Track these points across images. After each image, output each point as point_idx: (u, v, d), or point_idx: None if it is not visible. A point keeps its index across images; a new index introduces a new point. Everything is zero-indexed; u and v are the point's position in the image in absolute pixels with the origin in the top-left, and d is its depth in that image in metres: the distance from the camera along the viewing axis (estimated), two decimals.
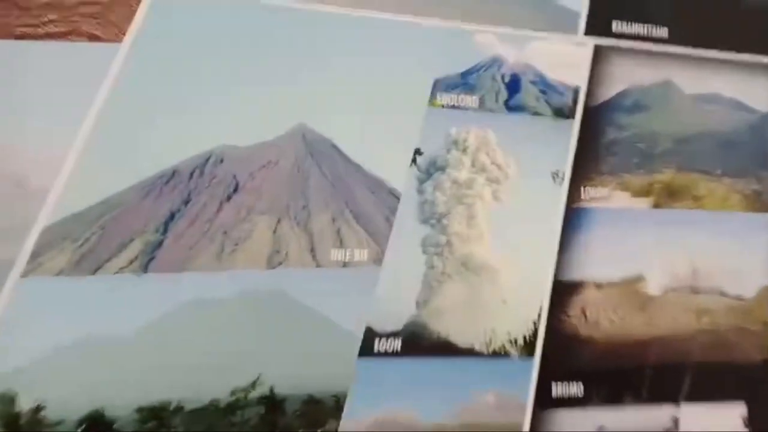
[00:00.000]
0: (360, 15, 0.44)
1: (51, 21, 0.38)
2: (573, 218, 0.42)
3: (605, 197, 0.43)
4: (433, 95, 0.43)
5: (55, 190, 0.36)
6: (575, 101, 0.45)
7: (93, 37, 0.38)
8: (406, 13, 0.44)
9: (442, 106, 0.43)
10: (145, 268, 0.36)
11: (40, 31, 0.37)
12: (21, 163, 0.36)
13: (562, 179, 0.43)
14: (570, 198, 0.42)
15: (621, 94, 0.46)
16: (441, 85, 0.44)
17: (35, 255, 0.35)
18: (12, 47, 0.37)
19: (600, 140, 0.45)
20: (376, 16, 0.44)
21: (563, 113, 0.45)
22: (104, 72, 0.38)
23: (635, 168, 0.44)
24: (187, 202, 0.38)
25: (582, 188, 0.43)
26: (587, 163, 0.44)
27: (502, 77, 0.45)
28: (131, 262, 0.36)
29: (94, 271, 0.35)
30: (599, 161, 0.44)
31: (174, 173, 0.38)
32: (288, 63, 0.42)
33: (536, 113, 0.44)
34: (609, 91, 0.46)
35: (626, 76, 0.46)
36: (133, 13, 0.39)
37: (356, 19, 0.44)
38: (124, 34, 0.39)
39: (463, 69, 0.44)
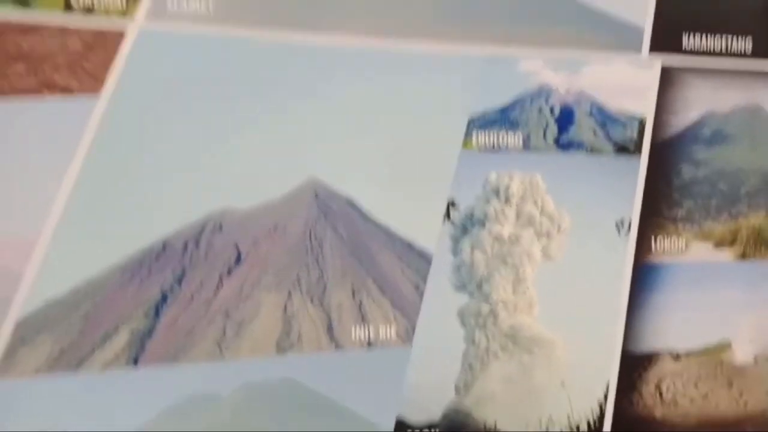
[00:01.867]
0: (377, 45, 0.43)
1: (18, 74, 0.37)
2: (643, 276, 0.41)
3: (681, 249, 0.42)
4: (468, 135, 0.42)
5: (28, 274, 0.35)
6: (641, 134, 0.43)
7: (67, 90, 0.37)
8: (433, 39, 0.43)
9: (480, 148, 0.42)
10: (134, 361, 0.35)
11: (7, 86, 0.37)
12: None
13: (628, 229, 0.41)
14: (638, 252, 0.41)
15: (697, 124, 0.44)
16: (477, 123, 0.43)
17: (8, 353, 0.34)
18: None
19: (673, 180, 0.43)
20: (396, 45, 0.43)
21: (627, 149, 0.43)
22: (80, 129, 0.37)
23: (717, 212, 0.43)
24: (180, 279, 0.37)
25: (652, 239, 0.41)
26: (658, 209, 0.42)
27: (551, 110, 0.44)
28: (118, 354, 0.35)
29: (77, 368, 0.35)
30: (672, 206, 0.42)
31: (164, 246, 0.38)
32: (293, 105, 0.41)
33: (594, 150, 0.43)
34: (682, 120, 0.44)
35: (703, 100, 0.44)
36: (111, 58, 0.38)
37: (373, 50, 0.42)
38: (101, 83, 0.38)
39: (503, 102, 0.43)
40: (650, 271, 0.41)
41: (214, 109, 0.40)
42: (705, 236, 0.42)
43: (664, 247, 0.41)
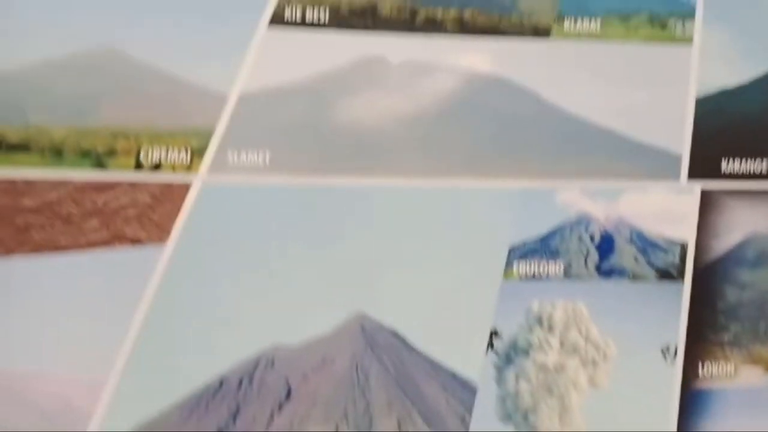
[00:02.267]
0: (420, 184, 0.44)
1: (93, 229, 0.41)
2: (692, 403, 0.40)
3: (730, 375, 0.41)
4: (509, 265, 0.43)
5: (97, 413, 0.37)
6: (683, 259, 0.43)
7: (136, 241, 0.41)
8: (472, 175, 0.45)
9: (521, 277, 0.43)
10: None
11: (83, 240, 0.41)
12: (61, 385, 0.38)
13: (674, 355, 0.41)
14: (686, 378, 0.40)
15: (740, 246, 0.44)
16: (517, 253, 0.43)
17: None
18: (51, 261, 0.40)
19: (718, 304, 0.42)
20: (438, 184, 0.45)
21: (670, 274, 0.43)
22: (147, 276, 0.40)
23: (765, 336, 0.41)
24: (235, 416, 0.39)
25: (700, 365, 0.41)
26: (704, 334, 0.42)
27: (591, 237, 0.44)
28: None
29: None
30: (719, 330, 0.42)
31: (221, 383, 0.39)
32: (341, 243, 0.43)
33: (636, 277, 0.43)
34: (724, 243, 0.44)
35: (744, 223, 0.44)
36: (177, 210, 0.42)
37: (416, 188, 0.44)
38: (168, 234, 0.41)
39: (543, 232, 0.44)
40: (699, 398, 0.40)
41: (269, 251, 0.43)
42: (755, 360, 0.41)
43: (712, 372, 0.40)
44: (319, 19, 0.47)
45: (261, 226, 0.44)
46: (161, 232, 0.42)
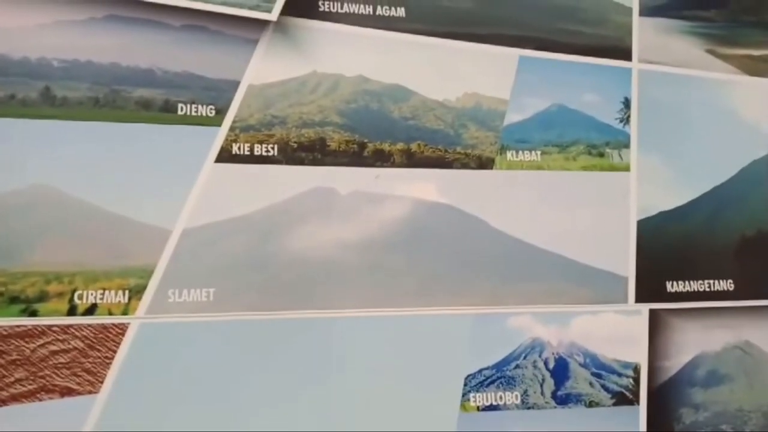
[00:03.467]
0: (370, 314, 0.42)
1: (18, 380, 0.37)
2: None
3: None
4: (465, 397, 0.40)
5: None
6: (637, 381, 0.41)
7: (66, 391, 0.37)
8: (423, 303, 0.43)
9: (477, 408, 0.40)
10: None
11: (5, 393, 0.36)
12: None
13: None
14: None
15: (690, 366, 0.42)
16: (474, 381, 0.41)
17: None
18: None
19: (674, 426, 0.40)
20: (386, 313, 0.42)
21: (626, 398, 0.41)
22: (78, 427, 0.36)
23: None
24: None
25: None
26: None
27: (546, 363, 0.42)
28: None
29: None
30: None
31: None
32: (292, 377, 0.40)
33: (593, 403, 0.41)
34: (676, 363, 0.42)
35: (693, 343, 0.43)
36: (112, 355, 0.38)
37: (366, 319, 0.42)
38: (101, 383, 0.37)
39: (497, 358, 0.41)
40: None
41: (215, 393, 0.40)
42: None
43: None
44: (267, 154, 0.45)
45: (204, 365, 0.40)
46: (93, 380, 0.38)
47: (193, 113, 0.46)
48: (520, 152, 0.47)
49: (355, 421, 0.41)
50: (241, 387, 0.41)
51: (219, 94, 0.46)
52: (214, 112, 0.46)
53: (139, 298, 0.41)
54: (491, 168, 0.47)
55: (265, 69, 0.47)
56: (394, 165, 0.47)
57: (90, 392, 0.39)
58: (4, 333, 0.39)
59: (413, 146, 0.47)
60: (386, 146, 0.47)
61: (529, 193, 0.46)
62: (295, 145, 0.47)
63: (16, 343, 0.39)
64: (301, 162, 0.46)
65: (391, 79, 0.48)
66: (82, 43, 0.45)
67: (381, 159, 0.47)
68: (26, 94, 0.43)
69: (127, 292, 0.41)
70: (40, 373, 0.38)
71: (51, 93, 0.44)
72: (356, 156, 0.46)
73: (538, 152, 0.47)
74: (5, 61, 0.43)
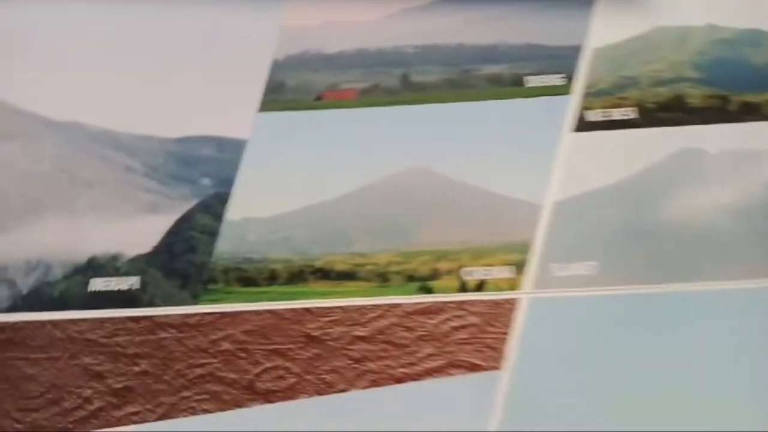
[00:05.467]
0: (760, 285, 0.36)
1: (429, 355, 0.36)
2: None
3: None
4: None
5: None
6: None
7: (473, 366, 0.35)
8: None
9: None
10: None
11: (418, 368, 0.35)
12: None
13: None
14: None
15: None
16: None
17: None
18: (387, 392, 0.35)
19: None
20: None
21: None
22: (487, 405, 0.34)
23: None
24: None
25: None
26: None
27: None
28: None
29: None
30: None
31: None
32: (688, 354, 0.35)
33: None
34: None
35: None
36: (507, 331, 0.36)
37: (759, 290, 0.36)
38: (502, 356, 0.35)
39: None
40: None
41: (606, 369, 0.36)
42: None
43: None
44: (625, 118, 0.42)
45: (592, 341, 0.37)
46: (496, 355, 0.36)
47: (542, 84, 0.43)
48: None
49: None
50: (632, 363, 0.38)
51: (564, 61, 0.44)
52: (564, 80, 0.43)
53: (524, 273, 0.39)
54: None
55: (605, 30, 0.44)
56: (765, 118, 0.41)
57: (493, 367, 0.37)
58: (409, 310, 0.38)
59: None
60: (751, 97, 0.42)
61: None
62: (654, 106, 0.42)
63: (420, 320, 0.38)
64: (661, 123, 0.42)
65: (745, 24, 0.43)
66: (429, 27, 0.44)
67: (748, 112, 0.41)
68: (388, 82, 0.43)
69: (511, 267, 0.39)
70: (446, 349, 0.37)
71: (409, 79, 0.43)
72: (720, 111, 0.41)
73: None
74: (364, 54, 0.43)
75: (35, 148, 0.42)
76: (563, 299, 0.39)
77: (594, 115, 0.43)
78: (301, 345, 0.38)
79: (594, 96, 0.43)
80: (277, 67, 0.43)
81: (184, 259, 0.39)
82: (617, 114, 0.43)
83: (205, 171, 0.41)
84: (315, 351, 0.37)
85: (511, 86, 0.44)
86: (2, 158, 0.42)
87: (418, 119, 0.42)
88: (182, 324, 0.38)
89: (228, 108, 0.42)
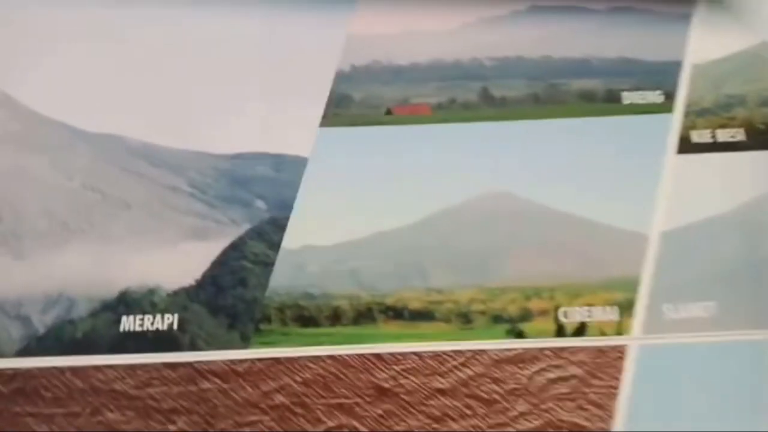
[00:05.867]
0: None
1: (522, 414, 0.30)
2: None
3: None
4: None
5: None
6: None
7: (575, 428, 0.29)
8: None
9: None
10: None
11: (510, 429, 0.29)
12: None
13: None
14: None
15: None
16: None
17: None
18: None
19: None
20: None
21: None
22: None
23: None
24: None
25: None
26: None
27: None
28: None
29: None
30: None
31: None
32: None
33: None
34: None
35: None
36: (615, 383, 0.30)
37: None
38: (610, 417, 0.29)
39: None
40: None
41: (728, 422, 0.30)
42: None
43: None
44: (732, 140, 0.37)
45: (716, 394, 0.31)
46: (602, 414, 0.30)
47: (640, 101, 0.38)
48: None
49: None
50: (761, 421, 0.31)
51: (662, 77, 0.38)
52: (662, 97, 0.38)
53: (631, 315, 0.33)
54: None
55: (706, 45, 0.39)
56: None
57: (601, 429, 0.31)
58: (497, 358, 0.32)
59: None
60: None
61: None
62: (763, 127, 0.37)
63: (511, 370, 0.32)
64: None
65: None
66: (510, 38, 0.39)
67: None
68: (466, 96, 0.38)
69: (615, 308, 0.33)
70: (543, 406, 0.31)
71: (489, 93, 0.38)
72: None
73: None
74: (440, 65, 0.38)
75: (65, 163, 0.38)
76: (679, 346, 0.33)
77: (699, 136, 0.38)
78: (369, 399, 0.32)
79: (697, 115, 0.38)
80: (343, 78, 0.38)
81: (232, 294, 0.33)
82: (724, 135, 0.38)
83: (260, 192, 0.36)
84: (386, 406, 0.31)
85: (606, 102, 0.39)
86: (26, 172, 0.37)
87: (500, 137, 0.37)
88: (228, 372, 0.31)
89: (287, 123, 0.37)
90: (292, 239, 0.34)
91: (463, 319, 0.33)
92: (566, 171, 0.36)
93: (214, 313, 0.33)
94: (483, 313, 0.33)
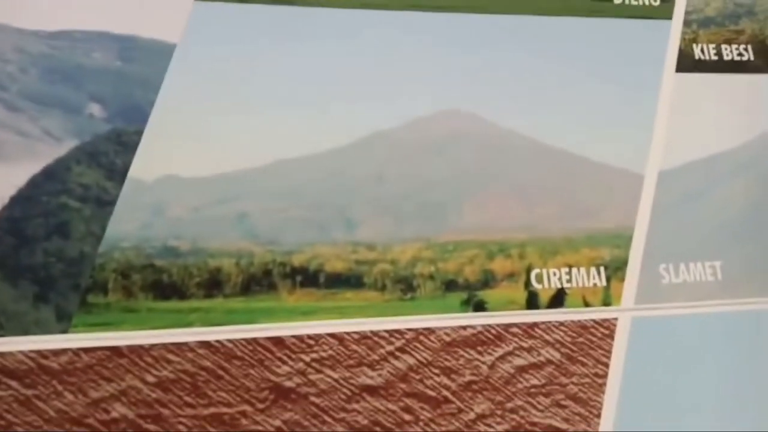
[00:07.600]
0: None
1: (481, 417, 0.20)
2: None
3: None
4: None
5: None
6: None
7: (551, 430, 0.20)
8: None
9: None
10: None
11: None
12: None
13: None
14: None
15: None
16: None
17: None
18: None
19: None
20: None
21: None
22: None
23: None
24: None
25: None
26: None
27: None
28: None
29: None
30: None
31: None
32: None
33: None
34: None
35: None
36: (602, 373, 0.21)
37: None
38: (597, 417, 0.21)
39: None
40: None
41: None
42: None
43: None
44: (740, 59, 0.28)
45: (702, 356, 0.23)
46: (586, 413, 0.22)
47: (633, 2, 0.29)
48: None
49: None
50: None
51: None
52: (659, 0, 0.29)
53: (621, 279, 0.25)
54: None
55: None
56: None
57: None
58: (447, 339, 0.23)
59: None
60: None
61: None
62: None
63: (467, 356, 0.23)
64: None
65: None
66: None
67: None
68: None
69: (602, 269, 0.25)
70: (509, 404, 0.22)
71: None
72: None
73: None
74: None
75: None
76: (681, 318, 0.25)
77: (701, 51, 0.29)
78: (263, 405, 0.22)
79: (700, 25, 0.30)
80: None
81: (44, 249, 0.21)
82: (730, 53, 0.29)
83: (96, 92, 0.24)
84: (288, 415, 0.21)
85: (596, 0, 0.29)
86: None
87: (454, 34, 0.26)
88: (35, 370, 0.20)
89: None
90: (145, 166, 0.23)
91: (403, 286, 0.23)
92: (541, 87, 0.26)
93: (12, 279, 0.21)
94: (430, 277, 0.23)
